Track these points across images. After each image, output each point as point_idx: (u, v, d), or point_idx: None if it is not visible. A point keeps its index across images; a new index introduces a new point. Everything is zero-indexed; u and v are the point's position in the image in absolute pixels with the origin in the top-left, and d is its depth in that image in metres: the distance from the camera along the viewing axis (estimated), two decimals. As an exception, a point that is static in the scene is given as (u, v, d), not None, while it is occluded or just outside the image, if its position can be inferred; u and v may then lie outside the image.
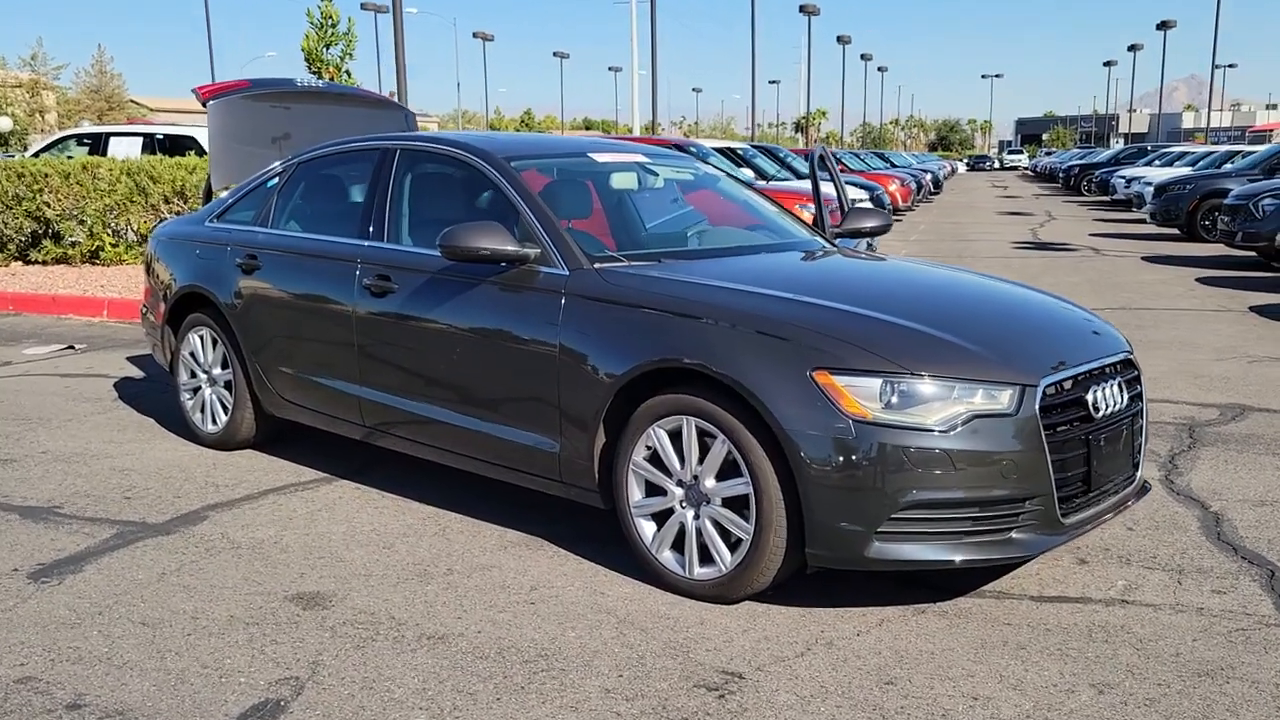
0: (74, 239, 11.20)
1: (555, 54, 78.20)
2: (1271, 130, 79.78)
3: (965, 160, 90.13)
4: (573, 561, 3.93)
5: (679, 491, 3.58)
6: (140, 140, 13.71)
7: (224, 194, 5.78)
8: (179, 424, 5.84)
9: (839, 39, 58.19)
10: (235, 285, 5.16)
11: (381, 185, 4.69)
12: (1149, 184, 23.14)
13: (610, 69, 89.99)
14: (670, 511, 3.61)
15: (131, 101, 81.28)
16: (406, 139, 4.81)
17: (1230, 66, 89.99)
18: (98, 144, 13.89)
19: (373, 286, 4.48)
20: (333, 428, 4.90)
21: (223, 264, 5.26)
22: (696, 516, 3.53)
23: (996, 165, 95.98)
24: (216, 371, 5.40)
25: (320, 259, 4.79)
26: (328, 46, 14.47)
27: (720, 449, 3.43)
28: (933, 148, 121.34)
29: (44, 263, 11.55)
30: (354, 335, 4.57)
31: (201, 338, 5.45)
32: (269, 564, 3.92)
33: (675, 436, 3.56)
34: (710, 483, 3.48)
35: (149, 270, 5.94)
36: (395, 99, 11.14)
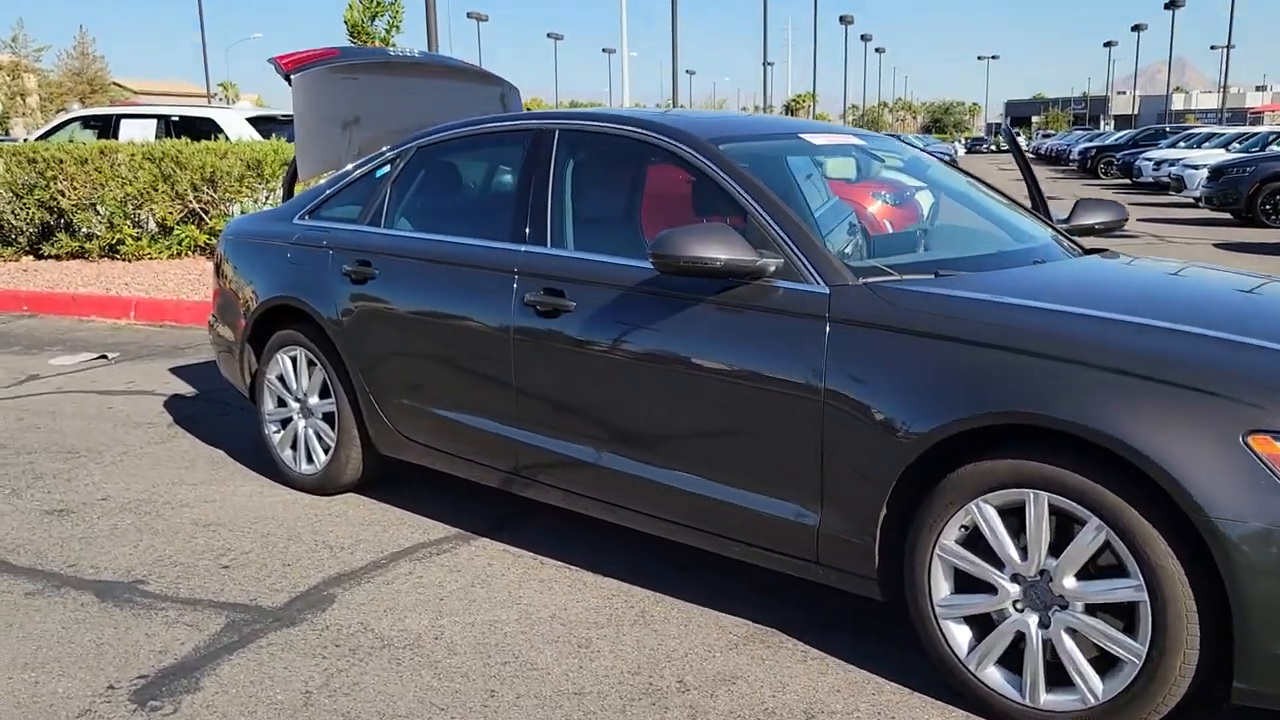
0: (90, 231, 10.19)
1: (549, 35, 76.91)
2: (1265, 112, 79.15)
3: (964, 143, 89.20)
4: (837, 670, 3.03)
5: (1013, 589, 2.67)
6: (155, 123, 12.67)
7: (314, 185, 4.82)
8: (257, 459, 4.91)
9: (841, 19, 57.18)
10: (341, 298, 4.22)
11: (539, 176, 3.76)
12: (1192, 166, 22.41)
13: (604, 50, 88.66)
14: (999, 615, 2.70)
15: (114, 84, 79.70)
16: (565, 117, 3.86)
17: (1230, 48, 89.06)
18: (107, 127, 12.84)
19: (539, 304, 3.55)
20: (470, 474, 3.98)
21: (323, 271, 4.32)
22: (1044, 624, 2.63)
23: (994, 148, 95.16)
24: (314, 401, 4.46)
25: (461, 268, 3.85)
26: (373, 18, 13.35)
27: (1091, 537, 2.52)
28: (926, 130, 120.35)
29: (58, 257, 10.55)
30: (510, 363, 3.64)
31: (294, 360, 4.51)
32: (440, 674, 3.01)
33: (1008, 513, 2.66)
34: (1071, 582, 2.58)
35: (219, 274, 4.99)
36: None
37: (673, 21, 29.00)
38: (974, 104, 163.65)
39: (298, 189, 5.17)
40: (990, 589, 2.70)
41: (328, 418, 4.44)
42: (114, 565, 3.78)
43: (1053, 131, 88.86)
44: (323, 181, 4.69)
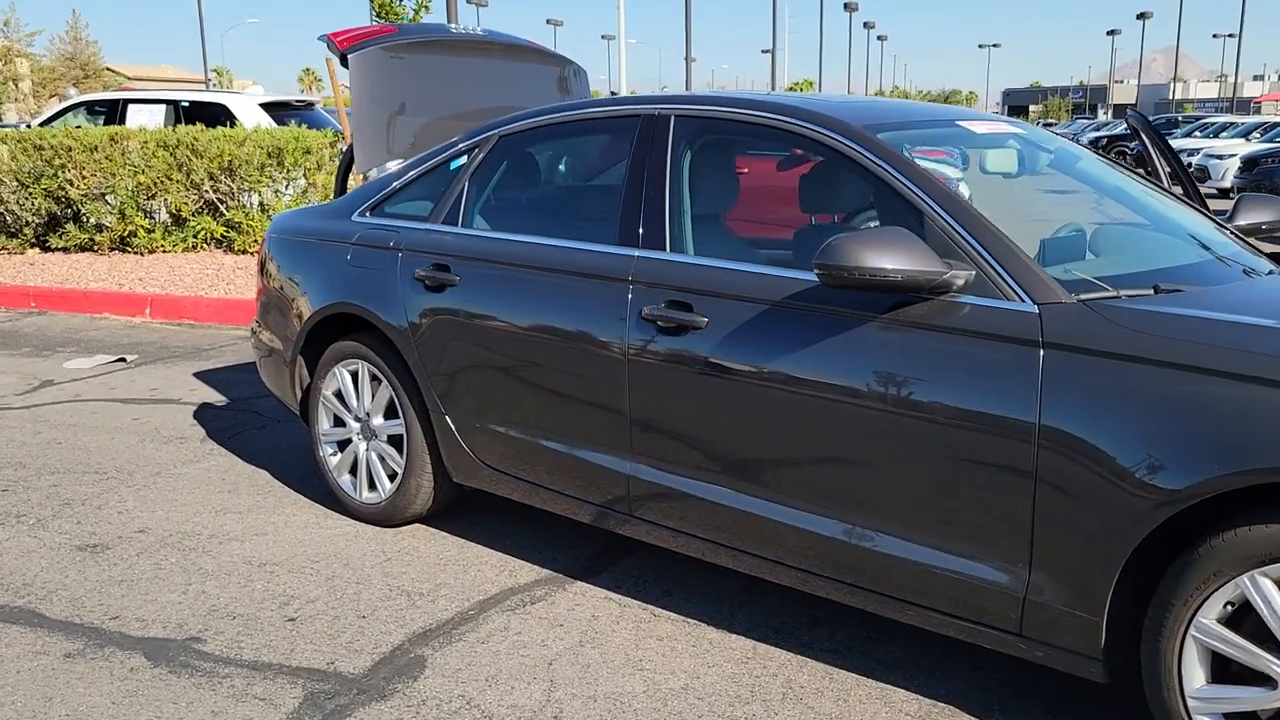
0: (100, 222, 9.65)
1: (549, 21, 76.11)
2: (1264, 101, 78.61)
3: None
4: (1046, 761, 2.54)
5: (1294, 682, 2.18)
6: (164, 108, 12.12)
7: (376, 178, 4.31)
8: (307, 482, 4.42)
9: (846, 5, 56.58)
10: (413, 306, 3.71)
11: (653, 169, 3.25)
12: (1216, 156, 21.96)
13: (603, 37, 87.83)
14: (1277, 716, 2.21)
15: (108, 69, 78.80)
16: (681, 101, 3.35)
17: (1229, 36, 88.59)
18: (113, 112, 12.29)
19: (662, 319, 3.04)
20: (559, 507, 3.49)
21: (391, 276, 3.81)
22: (1333, 724, 2.14)
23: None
24: (378, 422, 3.96)
25: (561, 275, 3.34)
26: (402, -1, 12.75)
27: None
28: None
29: (66, 250, 10.00)
30: (624, 386, 3.14)
31: (354, 374, 4.01)
32: (571, 767, 2.51)
33: (1287, 589, 2.17)
34: (1377, 677, 2.09)
35: (263, 274, 4.47)
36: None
37: (686, 6, 28.39)
38: (971, 92, 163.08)
39: (354, 181, 4.66)
40: (1267, 681, 2.21)
41: (394, 440, 3.94)
42: (163, 617, 3.28)
43: (1053, 121, 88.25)
44: (390, 170, 4.16)
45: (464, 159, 3.84)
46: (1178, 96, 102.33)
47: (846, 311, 2.74)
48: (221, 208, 9.36)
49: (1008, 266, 2.58)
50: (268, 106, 11.98)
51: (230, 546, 3.84)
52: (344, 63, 4.46)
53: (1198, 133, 31.22)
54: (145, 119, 11.98)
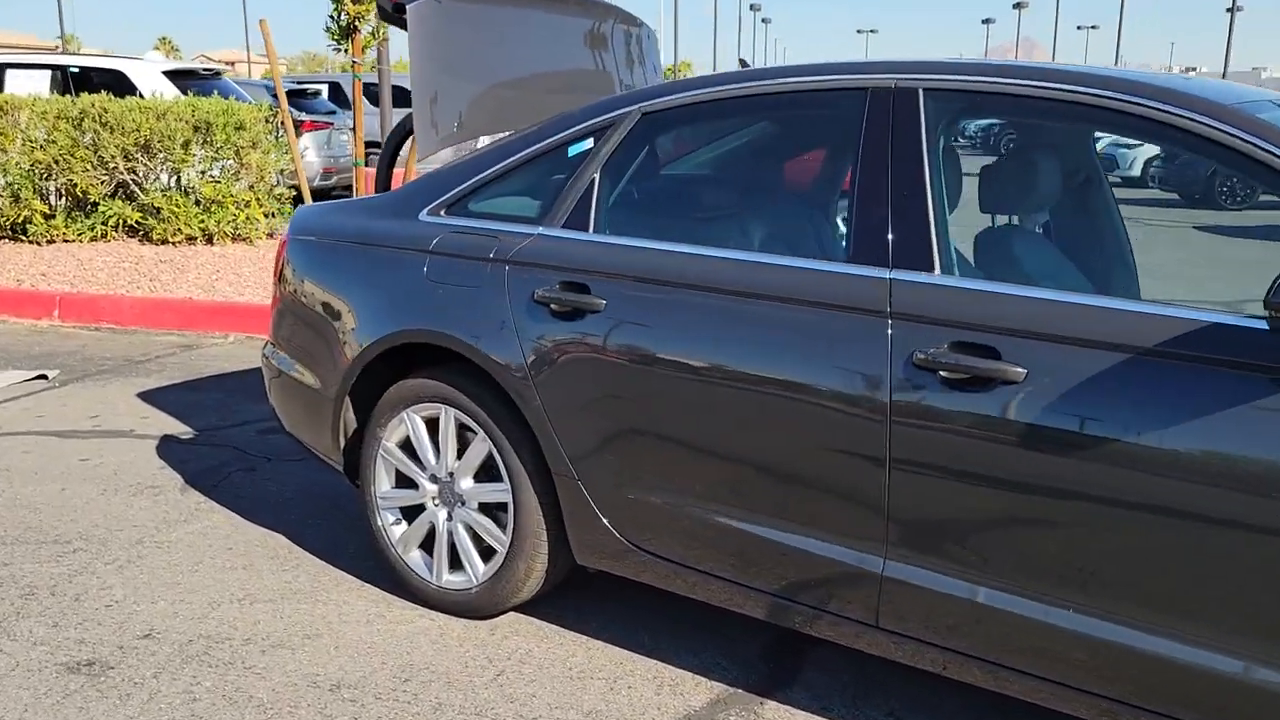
0: (-15, 206, 8.28)
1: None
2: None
3: None
4: None
5: None
6: (49, 74, 10.65)
7: (439, 167, 3.35)
8: (340, 549, 3.49)
9: (733, -13, 56.07)
10: (532, 337, 2.80)
11: (902, 161, 2.41)
12: (1126, 146, 22.06)
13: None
14: None
15: (-54, 34, 73.22)
16: (925, 71, 2.50)
17: (1092, 28, 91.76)
18: (-13, 79, 10.76)
19: (950, 367, 2.21)
20: (731, 600, 2.64)
21: (494, 296, 2.88)
22: None
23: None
24: (467, 485, 3.03)
25: (772, 303, 2.48)
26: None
27: None
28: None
29: (-58, 238, 8.57)
30: (882, 456, 2.31)
31: (431, 422, 3.07)
32: None
33: None
34: None
35: (282, 284, 3.48)
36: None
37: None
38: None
39: (412, 172, 3.67)
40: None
41: (489, 509, 3.02)
42: (229, 790, 2.31)
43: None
44: (470, 157, 3.21)
45: (588, 143, 2.92)
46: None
47: (1248, 365, 1.96)
48: (139, 190, 8.09)
49: None
50: (172, 75, 10.65)
51: (278, 658, 2.86)
52: (389, 18, 3.47)
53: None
54: (25, 86, 10.51)
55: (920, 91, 2.45)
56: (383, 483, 3.21)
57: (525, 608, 3.14)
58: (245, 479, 4.21)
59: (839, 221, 2.59)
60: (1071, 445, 2.10)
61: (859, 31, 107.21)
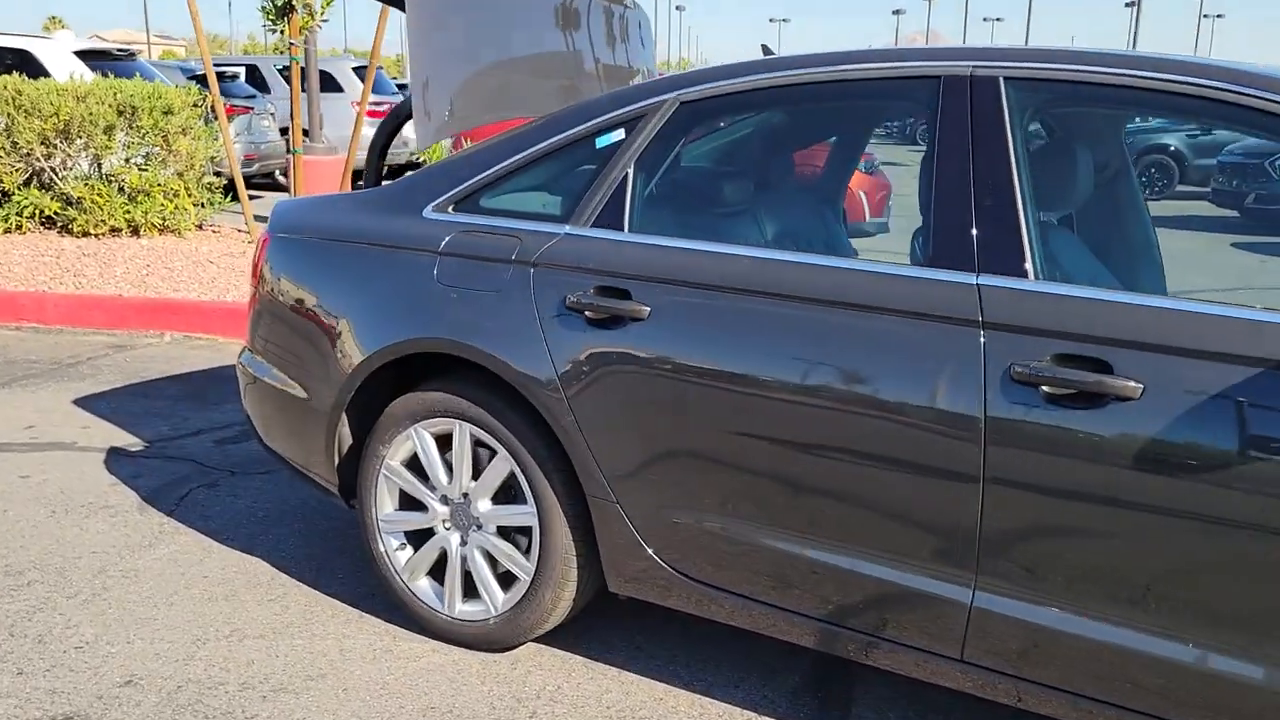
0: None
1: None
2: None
3: None
4: None
5: None
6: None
7: (447, 157, 3.07)
8: (326, 573, 3.21)
9: (647, -26, 55.83)
10: (565, 348, 2.56)
11: (985, 156, 2.23)
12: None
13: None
14: None
15: None
16: (1004, 59, 2.31)
17: (998, 20, 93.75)
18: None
19: (1051, 380, 2.04)
20: (777, 628, 2.44)
21: (518, 302, 2.63)
22: None
23: None
24: (485, 507, 2.77)
25: (842, 310, 2.27)
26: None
27: None
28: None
29: None
30: (975, 478, 2.12)
31: (442, 439, 2.81)
32: None
33: None
34: None
35: (262, 285, 3.18)
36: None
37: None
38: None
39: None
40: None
41: (508, 533, 2.77)
42: None
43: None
44: (479, 148, 2.94)
45: (618, 135, 2.68)
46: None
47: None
48: (56, 178, 7.58)
49: None
50: (84, 55, 10.05)
51: (282, 705, 2.58)
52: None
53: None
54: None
55: (1001, 80, 2.26)
56: (385, 505, 2.94)
57: (543, 636, 2.90)
58: (209, 496, 3.88)
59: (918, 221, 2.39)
60: (1194, 468, 1.93)
61: (771, 20, 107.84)
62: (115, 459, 4.21)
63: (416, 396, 2.82)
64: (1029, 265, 2.14)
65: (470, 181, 2.87)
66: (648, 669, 2.79)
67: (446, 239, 2.79)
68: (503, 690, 2.67)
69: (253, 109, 12.74)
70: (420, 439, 2.83)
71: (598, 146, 2.70)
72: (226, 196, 8.46)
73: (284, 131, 14.19)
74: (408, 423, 2.84)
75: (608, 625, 2.98)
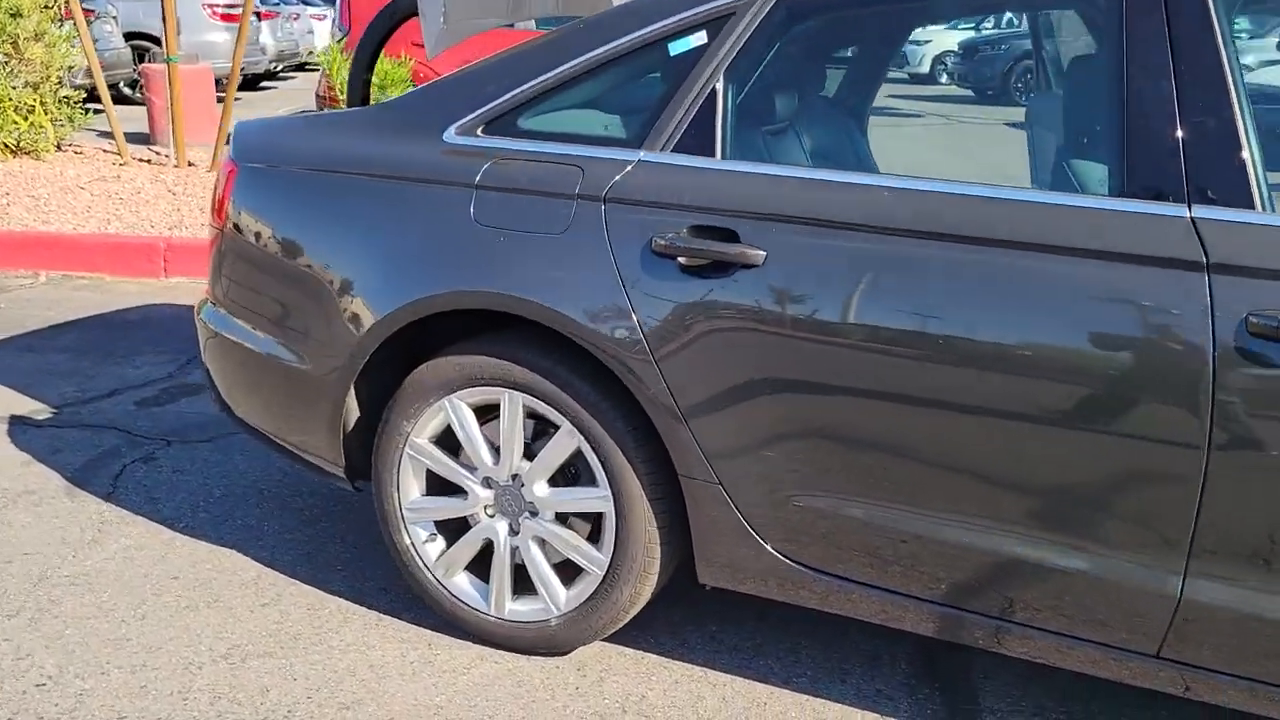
0: None
1: None
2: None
3: None
4: None
5: None
6: None
7: (461, 70, 2.53)
8: (318, 561, 2.71)
9: None
10: (651, 300, 2.12)
11: (1191, 58, 1.86)
12: (914, 42, 22.38)
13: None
14: None
15: None
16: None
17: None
18: None
19: (1299, 334, 1.71)
20: (908, 621, 2.11)
21: (585, 245, 2.17)
22: None
23: None
24: (542, 491, 2.33)
25: (1027, 252, 1.89)
26: None
27: None
28: None
29: None
30: (1201, 448, 1.79)
31: (486, 411, 2.34)
32: None
33: None
34: None
35: (229, 221, 2.61)
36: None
37: None
38: None
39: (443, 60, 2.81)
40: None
41: (566, 519, 2.34)
42: None
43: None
44: (506, 57, 2.41)
45: (699, 39, 2.21)
46: None
47: None
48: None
49: None
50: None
51: (322, 745, 2.12)
52: None
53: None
54: None
55: (1197, -36, 1.88)
56: (411, 490, 2.46)
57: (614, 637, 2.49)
58: (148, 473, 3.31)
59: (1091, 141, 2.02)
60: None
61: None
62: (20, 432, 3.57)
63: (451, 361, 2.33)
64: (1256, 193, 1.79)
65: (502, 99, 2.36)
66: (735, 665, 2.42)
67: (483, 169, 2.29)
68: (579, 705, 2.26)
69: (94, 11, 11.48)
70: (456, 412, 2.36)
71: (671, 54, 2.23)
72: (88, 112, 7.51)
73: (128, 38, 12.94)
74: (440, 393, 2.35)
75: (668, 609, 2.59)
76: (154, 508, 3.07)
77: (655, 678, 2.37)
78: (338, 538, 2.95)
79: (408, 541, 2.48)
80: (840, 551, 2.12)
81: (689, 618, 2.57)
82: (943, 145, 2.27)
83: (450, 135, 2.37)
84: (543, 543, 2.37)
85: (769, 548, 2.17)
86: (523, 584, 2.42)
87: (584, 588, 2.34)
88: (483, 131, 2.36)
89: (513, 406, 2.30)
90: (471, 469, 2.39)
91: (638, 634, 2.50)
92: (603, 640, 2.48)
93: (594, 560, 2.31)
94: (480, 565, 2.45)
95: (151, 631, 2.48)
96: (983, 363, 1.89)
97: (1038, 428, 1.88)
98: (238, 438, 3.53)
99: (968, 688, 2.36)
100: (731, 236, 2.06)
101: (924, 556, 2.05)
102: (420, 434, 2.41)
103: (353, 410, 2.50)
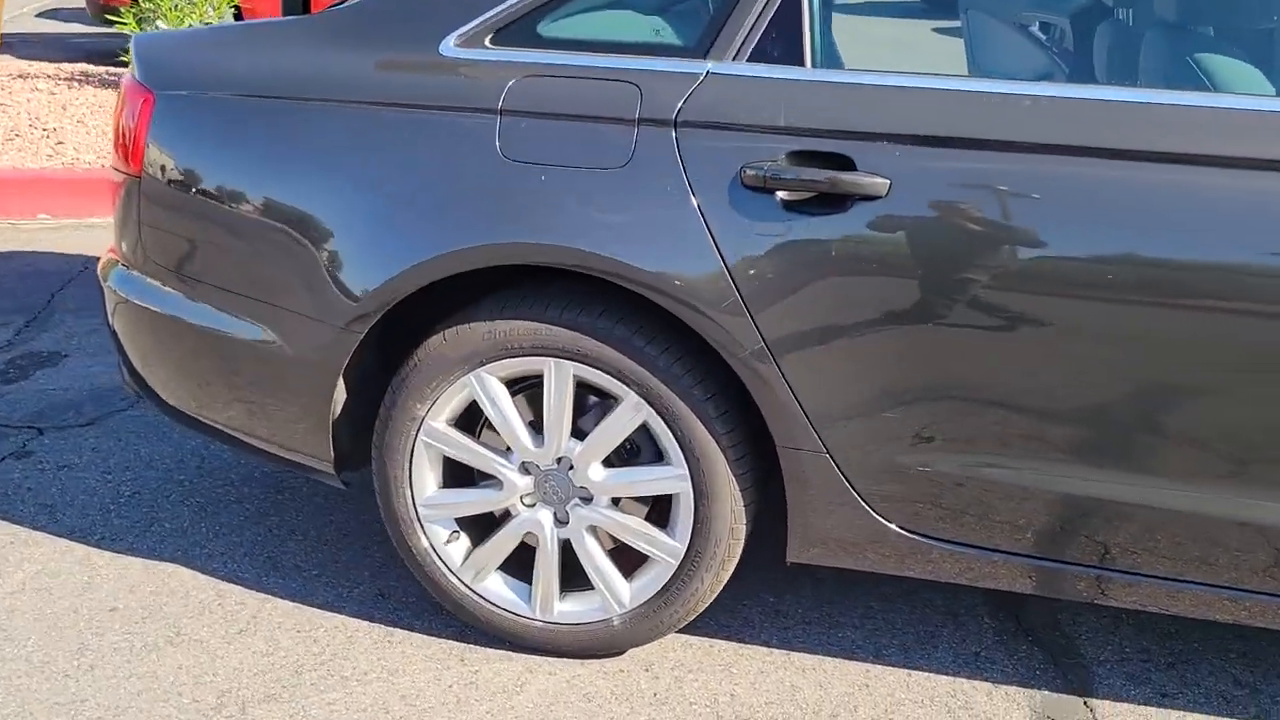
0: None
1: None
2: None
3: None
4: None
5: None
6: None
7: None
8: (302, 571, 2.28)
9: None
10: (740, 243, 1.77)
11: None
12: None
13: None
14: None
15: None
16: None
17: None
18: None
19: None
20: (1019, 581, 1.93)
21: (653, 179, 1.79)
22: None
23: None
24: (598, 474, 1.97)
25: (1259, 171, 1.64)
26: None
27: None
28: None
29: None
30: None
31: (517, 383, 1.95)
32: None
33: None
34: None
35: (152, 169, 2.08)
36: None
37: None
38: None
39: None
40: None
41: (625, 504, 2.00)
42: None
43: None
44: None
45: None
46: None
47: None
48: None
49: None
50: None
51: (385, 814, 1.73)
52: None
53: None
54: None
55: None
56: (427, 483, 2.04)
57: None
58: (30, 473, 2.72)
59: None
60: None
61: None
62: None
63: (480, 328, 1.91)
64: None
65: (512, 1, 1.90)
66: (815, 642, 2.16)
67: (508, 88, 1.85)
68: (662, 713, 1.95)
69: None
70: (486, 388, 1.95)
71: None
72: None
73: None
74: (463, 367, 1.93)
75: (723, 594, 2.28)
76: (52, 519, 2.52)
77: (737, 670, 2.08)
78: (296, 533, 2.49)
79: (425, 544, 2.07)
80: (963, 516, 1.87)
81: (735, 589, 2.28)
82: (1159, 33, 1.96)
83: (449, 47, 1.91)
84: (597, 532, 2.02)
85: (878, 516, 1.90)
86: (567, 580, 2.06)
87: (651, 579, 2.01)
88: (491, 41, 1.90)
89: (560, 378, 1.91)
90: (505, 453, 1.99)
91: (696, 622, 2.19)
92: (697, 639, 2.16)
93: (666, 549, 1.97)
94: (521, 563, 2.08)
95: (108, 687, 1.99)
96: (1190, 298, 1.64)
97: (1238, 373, 1.65)
98: (125, 416, 2.97)
99: (1062, 639, 2.18)
100: (846, 163, 1.72)
101: (1053, 515, 1.82)
102: (437, 417, 1.99)
103: (341, 393, 2.04)
